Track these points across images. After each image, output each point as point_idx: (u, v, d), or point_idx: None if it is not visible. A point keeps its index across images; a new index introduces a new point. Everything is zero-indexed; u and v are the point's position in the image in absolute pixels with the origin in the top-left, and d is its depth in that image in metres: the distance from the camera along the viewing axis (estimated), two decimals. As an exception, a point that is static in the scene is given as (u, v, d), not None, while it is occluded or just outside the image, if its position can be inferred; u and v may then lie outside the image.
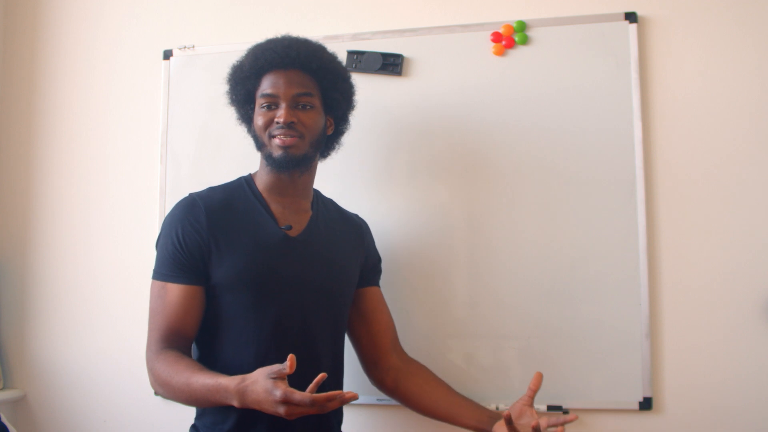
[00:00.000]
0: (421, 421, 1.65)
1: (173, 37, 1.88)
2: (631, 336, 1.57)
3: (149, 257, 1.79)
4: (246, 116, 1.43)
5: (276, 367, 1.10)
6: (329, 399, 1.07)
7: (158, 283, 1.31)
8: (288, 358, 1.09)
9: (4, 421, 1.64)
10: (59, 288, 1.88)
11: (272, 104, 1.33)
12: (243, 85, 1.38)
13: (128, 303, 1.82)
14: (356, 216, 1.54)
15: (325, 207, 1.47)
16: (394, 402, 1.63)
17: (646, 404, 1.55)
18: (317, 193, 1.48)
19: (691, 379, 1.56)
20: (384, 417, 1.66)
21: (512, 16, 1.69)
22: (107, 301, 1.84)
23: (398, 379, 1.47)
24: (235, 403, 1.13)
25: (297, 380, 1.26)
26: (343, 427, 1.45)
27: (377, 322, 1.49)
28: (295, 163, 1.33)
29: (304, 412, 1.08)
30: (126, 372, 1.81)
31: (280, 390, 1.07)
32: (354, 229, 1.49)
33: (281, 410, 1.08)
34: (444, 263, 1.66)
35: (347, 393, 1.08)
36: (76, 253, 1.88)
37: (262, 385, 1.10)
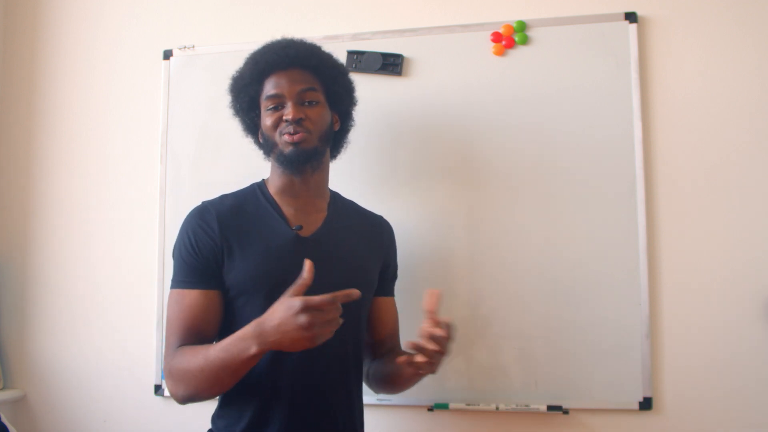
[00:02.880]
0: (421, 421, 1.65)
1: (173, 37, 1.88)
2: (631, 336, 1.57)
3: (149, 257, 1.81)
4: (252, 125, 1.42)
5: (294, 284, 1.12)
6: (347, 295, 1.09)
7: (175, 290, 1.30)
8: (305, 263, 1.11)
9: (4, 421, 1.64)
10: (59, 288, 1.88)
11: (278, 104, 1.34)
12: (246, 92, 1.38)
13: (128, 303, 1.82)
14: (379, 217, 1.52)
15: (343, 208, 1.45)
16: (394, 402, 1.64)
17: (646, 404, 1.56)
18: (335, 194, 1.47)
19: (691, 379, 1.56)
20: (384, 417, 1.67)
21: (512, 16, 1.70)
22: (107, 301, 1.84)
23: (370, 371, 1.47)
24: (253, 349, 1.12)
25: (311, 379, 1.24)
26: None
27: (376, 332, 1.47)
28: (305, 158, 1.32)
29: (327, 318, 1.07)
30: (126, 372, 1.81)
31: (299, 299, 1.07)
32: (373, 230, 1.47)
33: (303, 319, 1.06)
34: (444, 263, 1.66)
35: (356, 291, 1.10)
36: (76, 253, 1.88)
37: (281, 304, 1.10)
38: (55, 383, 1.85)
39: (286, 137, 1.32)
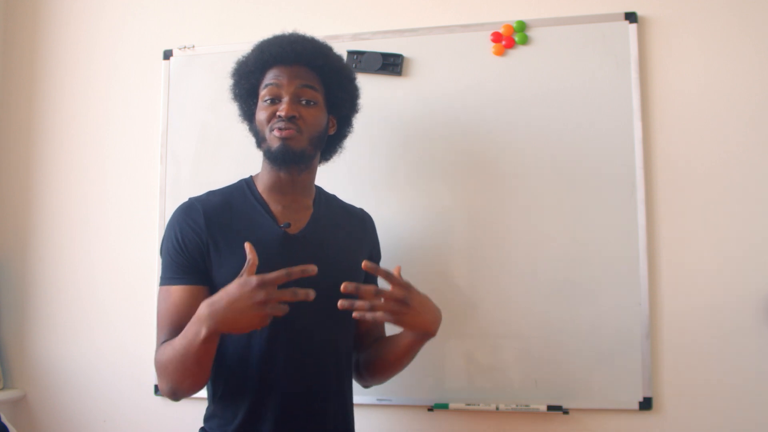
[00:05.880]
0: (421, 421, 1.65)
1: (173, 37, 1.88)
2: (631, 336, 1.57)
3: (149, 257, 1.81)
4: (248, 112, 1.42)
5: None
6: (303, 270, 1.11)
7: (163, 288, 1.31)
8: (246, 246, 1.15)
9: (4, 421, 1.63)
10: (59, 288, 1.88)
11: (275, 98, 1.32)
12: (247, 79, 1.38)
13: (128, 303, 1.82)
14: (360, 210, 1.52)
15: (327, 203, 1.45)
16: (394, 402, 1.64)
17: (646, 404, 1.56)
18: (319, 189, 1.47)
19: (691, 379, 1.56)
20: (384, 417, 1.67)
21: (512, 16, 1.70)
22: (107, 301, 1.84)
23: (359, 361, 1.46)
24: (203, 331, 1.14)
25: (303, 376, 1.24)
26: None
27: (362, 323, 1.44)
28: (292, 157, 1.31)
29: (282, 298, 1.10)
30: (126, 372, 1.81)
31: (254, 276, 1.11)
32: (358, 224, 1.47)
33: (261, 295, 1.09)
34: (444, 263, 1.67)
35: (313, 267, 1.12)
36: (76, 253, 1.88)
37: (234, 284, 1.13)
38: (55, 383, 1.85)
39: (275, 133, 1.31)
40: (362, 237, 1.46)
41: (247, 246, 1.16)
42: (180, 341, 1.18)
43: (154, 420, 1.78)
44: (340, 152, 1.50)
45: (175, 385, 1.23)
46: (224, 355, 1.28)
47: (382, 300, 1.18)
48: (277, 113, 1.31)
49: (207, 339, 1.14)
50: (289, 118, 1.30)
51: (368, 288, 1.15)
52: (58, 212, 1.91)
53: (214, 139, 1.80)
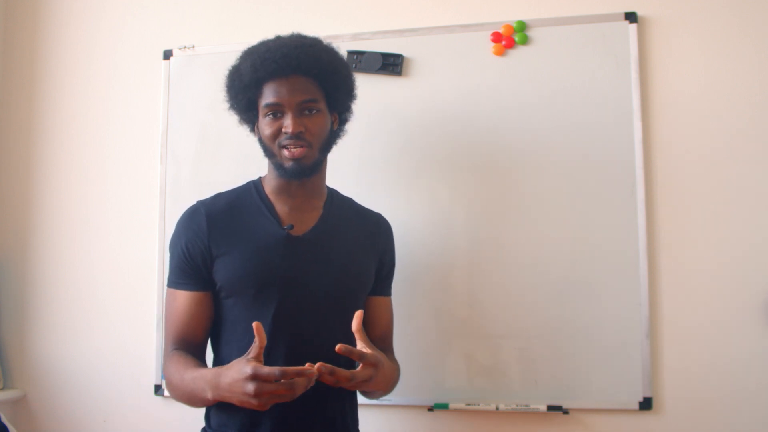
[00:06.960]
0: (421, 421, 1.65)
1: (173, 37, 1.88)
2: (631, 336, 1.57)
3: (149, 257, 1.81)
4: (248, 120, 1.40)
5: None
6: (299, 373, 1.08)
7: (170, 290, 1.35)
8: (254, 327, 1.12)
9: (4, 421, 1.64)
10: (59, 288, 1.88)
11: (277, 112, 1.31)
12: (244, 94, 1.35)
13: (128, 303, 1.82)
14: (377, 215, 1.49)
15: (340, 206, 1.44)
16: (394, 402, 1.64)
17: (646, 404, 1.56)
18: (332, 192, 1.45)
19: (691, 379, 1.56)
20: (384, 417, 1.67)
21: (512, 16, 1.70)
22: (107, 301, 1.84)
23: None
24: (209, 395, 1.18)
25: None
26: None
27: (371, 332, 1.44)
28: (307, 172, 1.32)
29: (275, 392, 1.08)
30: (126, 372, 1.81)
31: (250, 365, 1.09)
32: (371, 228, 1.45)
33: (250, 388, 1.08)
34: (444, 263, 1.67)
35: (312, 368, 1.09)
36: (76, 253, 1.88)
37: (236, 365, 1.13)
38: (55, 383, 1.85)
39: (286, 152, 1.30)
40: (374, 242, 1.44)
41: (254, 325, 1.13)
42: (189, 383, 1.23)
43: (154, 420, 1.78)
44: (343, 136, 1.46)
45: (181, 402, 1.30)
46: (227, 357, 1.28)
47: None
48: (283, 130, 1.30)
49: (212, 400, 1.20)
50: (297, 135, 1.29)
51: (345, 374, 1.13)
52: (58, 212, 1.91)
53: (214, 139, 1.80)
